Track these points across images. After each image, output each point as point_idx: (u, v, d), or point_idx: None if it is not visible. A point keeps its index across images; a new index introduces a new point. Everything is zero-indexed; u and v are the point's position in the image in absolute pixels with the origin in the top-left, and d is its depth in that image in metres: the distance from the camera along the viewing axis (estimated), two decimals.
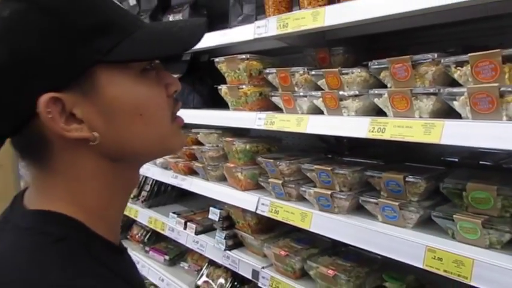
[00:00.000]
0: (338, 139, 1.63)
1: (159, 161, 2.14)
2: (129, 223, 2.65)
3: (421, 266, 1.02)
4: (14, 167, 2.68)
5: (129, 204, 2.42)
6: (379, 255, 1.32)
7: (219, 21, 1.81)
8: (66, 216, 0.58)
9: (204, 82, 2.05)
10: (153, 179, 2.39)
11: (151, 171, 2.19)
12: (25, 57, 0.54)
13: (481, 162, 1.32)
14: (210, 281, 1.97)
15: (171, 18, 1.95)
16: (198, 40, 0.63)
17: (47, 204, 0.59)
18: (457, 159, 1.39)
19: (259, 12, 1.60)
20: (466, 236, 1.00)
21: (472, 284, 0.93)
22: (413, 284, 1.21)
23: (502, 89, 0.87)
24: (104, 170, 0.60)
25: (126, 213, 2.43)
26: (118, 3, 0.64)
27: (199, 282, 1.98)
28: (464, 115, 0.96)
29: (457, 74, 0.97)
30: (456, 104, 0.97)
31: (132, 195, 2.48)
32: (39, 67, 0.54)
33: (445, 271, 0.97)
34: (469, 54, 0.92)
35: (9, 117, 0.56)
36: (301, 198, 1.38)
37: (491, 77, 0.89)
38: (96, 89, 0.58)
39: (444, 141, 0.95)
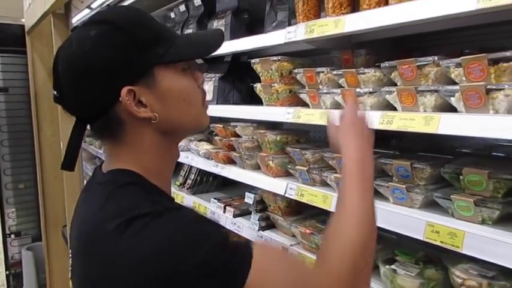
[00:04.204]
0: None
1: (202, 151, 2.39)
2: None
3: (421, 238, 1.18)
4: (79, 156, 3.04)
5: (175, 191, 2.70)
6: (392, 233, 1.50)
7: (260, 25, 2.02)
8: (132, 171, 0.83)
9: (243, 81, 2.26)
10: (197, 169, 2.65)
11: (195, 160, 2.44)
12: (111, 63, 0.79)
13: (493, 154, 1.46)
14: None
15: (215, 23, 2.19)
16: (220, 45, 0.90)
17: (118, 166, 0.84)
18: (470, 151, 1.53)
19: (292, 16, 1.79)
20: (462, 214, 1.16)
21: (463, 252, 1.09)
22: (422, 259, 1.37)
23: (488, 87, 1.02)
24: (158, 142, 0.85)
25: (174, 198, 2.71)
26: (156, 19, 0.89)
27: None
28: (459, 109, 1.12)
29: (454, 74, 1.13)
30: (453, 100, 1.13)
31: (178, 183, 2.76)
32: (120, 69, 0.79)
33: (441, 242, 1.13)
34: (461, 58, 1.08)
35: (98, 105, 0.81)
36: (324, 183, 1.57)
37: (480, 77, 1.05)
38: (155, 83, 0.82)
39: (440, 131, 1.11)
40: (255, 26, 2.19)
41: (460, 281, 1.14)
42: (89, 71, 0.78)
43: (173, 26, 2.68)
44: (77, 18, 3.18)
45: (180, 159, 2.69)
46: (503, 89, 1.00)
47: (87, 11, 3.03)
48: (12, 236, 4.60)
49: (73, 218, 0.92)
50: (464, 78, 1.09)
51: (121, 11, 0.85)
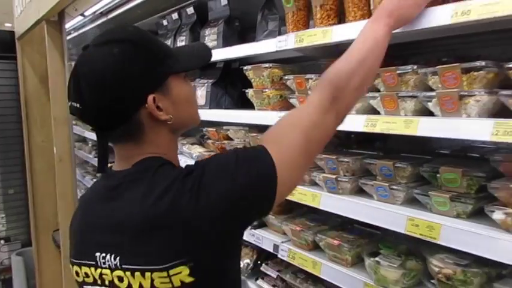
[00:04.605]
0: (348, 135, 1.91)
1: (195, 154, 2.47)
2: None
3: (403, 232, 1.29)
4: (71, 161, 3.09)
5: None
6: (377, 229, 1.61)
7: (250, 32, 2.12)
8: (159, 156, 0.96)
9: (235, 86, 2.35)
10: None
11: (188, 163, 2.51)
12: (138, 75, 0.91)
13: (468, 154, 1.58)
14: None
15: (207, 31, 2.28)
16: (211, 57, 1.08)
17: (145, 157, 0.97)
18: (448, 152, 1.65)
19: (282, 24, 1.90)
20: (439, 208, 1.27)
21: (439, 243, 1.20)
22: (404, 252, 1.48)
23: (460, 93, 1.14)
24: (170, 138, 1.01)
25: None
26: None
27: None
28: (436, 113, 1.23)
29: (431, 81, 1.24)
30: (430, 105, 1.24)
31: None
32: (145, 80, 0.92)
33: (420, 234, 1.24)
34: (437, 67, 1.19)
35: (124, 113, 0.93)
36: (313, 183, 1.67)
37: (454, 84, 1.16)
38: (168, 90, 0.96)
39: (419, 133, 1.22)
40: (246, 33, 2.30)
41: (437, 269, 1.24)
42: (118, 83, 0.89)
43: (166, 33, 2.76)
44: (69, 25, 3.24)
45: None
46: (474, 95, 1.12)
47: (80, 17, 3.09)
48: (2, 241, 4.59)
49: (94, 218, 0.99)
50: (440, 85, 1.20)
51: (131, 30, 0.97)
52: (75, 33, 3.77)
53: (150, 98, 0.92)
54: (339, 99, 1.00)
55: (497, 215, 1.12)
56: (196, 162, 0.95)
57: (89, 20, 3.20)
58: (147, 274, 0.87)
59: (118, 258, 0.90)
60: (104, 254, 0.92)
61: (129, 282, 0.89)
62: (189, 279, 0.86)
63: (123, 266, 0.89)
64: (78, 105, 0.92)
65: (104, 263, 0.92)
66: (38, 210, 4.37)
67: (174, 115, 0.97)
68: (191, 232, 0.86)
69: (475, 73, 1.13)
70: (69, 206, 3.25)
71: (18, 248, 4.67)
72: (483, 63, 1.12)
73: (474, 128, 1.10)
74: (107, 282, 0.93)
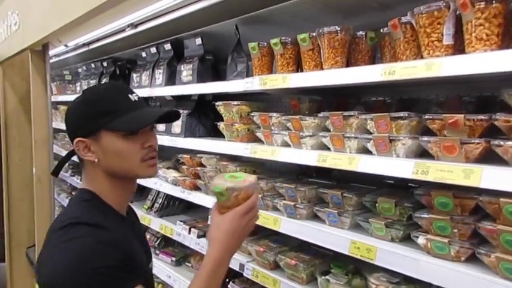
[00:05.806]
0: (308, 165, 2.13)
1: (170, 178, 2.65)
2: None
3: (347, 253, 1.50)
4: (49, 181, 3.20)
5: (143, 214, 2.93)
6: (330, 250, 1.82)
7: (223, 63, 2.35)
8: (91, 191, 1.18)
9: (207, 116, 2.57)
10: (165, 194, 2.90)
11: (163, 186, 2.69)
12: (74, 120, 1.19)
13: (409, 184, 1.82)
14: None
15: (183, 67, 2.49)
16: (153, 121, 1.18)
17: (84, 186, 1.20)
18: (392, 182, 1.89)
19: (249, 58, 2.10)
20: (377, 233, 1.49)
21: (375, 263, 1.41)
22: (351, 271, 1.69)
23: (390, 137, 1.37)
24: (104, 178, 1.20)
25: (141, 221, 2.93)
26: (128, 96, 1.20)
27: None
28: (374, 152, 1.46)
29: (369, 126, 1.48)
30: (369, 145, 1.47)
31: (146, 207, 2.99)
32: (77, 126, 1.18)
33: (361, 255, 1.46)
34: (373, 114, 1.43)
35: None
36: (275, 208, 1.88)
37: (385, 129, 1.40)
38: (99, 140, 1.17)
39: (359, 169, 1.45)
40: (218, 64, 2.54)
41: (374, 286, 1.46)
42: (67, 121, 1.20)
43: (144, 64, 2.96)
44: (52, 52, 3.40)
45: (148, 185, 2.94)
46: (400, 139, 1.36)
47: (62, 47, 3.26)
48: None
49: None
50: (375, 130, 1.44)
51: (95, 90, 1.25)
52: (56, 59, 3.93)
53: (76, 139, 1.16)
54: None
55: (421, 240, 1.35)
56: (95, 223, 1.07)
57: (71, 49, 3.37)
58: None
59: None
60: None
61: None
62: None
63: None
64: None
65: None
66: (13, 227, 4.41)
67: (103, 161, 1.15)
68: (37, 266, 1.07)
69: (401, 121, 1.37)
70: (46, 225, 3.34)
71: None
72: (406, 114, 1.36)
73: (400, 167, 1.33)
74: None
